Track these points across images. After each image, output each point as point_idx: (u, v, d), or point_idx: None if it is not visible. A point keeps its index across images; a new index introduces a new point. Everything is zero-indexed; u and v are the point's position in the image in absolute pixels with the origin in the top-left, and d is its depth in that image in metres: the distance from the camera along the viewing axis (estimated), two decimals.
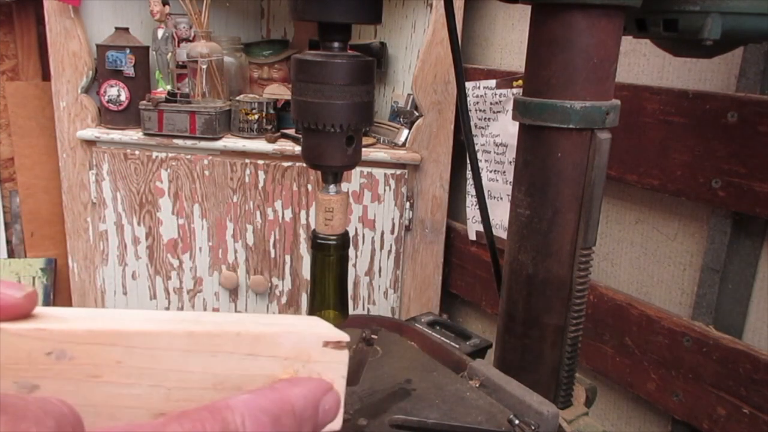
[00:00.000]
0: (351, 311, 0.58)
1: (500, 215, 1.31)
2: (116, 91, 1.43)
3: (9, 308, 0.28)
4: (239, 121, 1.43)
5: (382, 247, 1.42)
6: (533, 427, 0.54)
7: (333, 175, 0.53)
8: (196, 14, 1.39)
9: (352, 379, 0.62)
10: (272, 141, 1.40)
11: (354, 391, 0.60)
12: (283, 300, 1.46)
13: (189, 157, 1.40)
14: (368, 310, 1.46)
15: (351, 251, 1.40)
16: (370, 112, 0.52)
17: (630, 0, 0.57)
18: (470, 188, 1.44)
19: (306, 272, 1.44)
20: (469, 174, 1.40)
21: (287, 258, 1.43)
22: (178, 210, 1.43)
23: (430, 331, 0.73)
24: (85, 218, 1.50)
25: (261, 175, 1.39)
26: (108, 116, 1.45)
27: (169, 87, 1.48)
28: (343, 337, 0.32)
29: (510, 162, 1.28)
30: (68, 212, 1.51)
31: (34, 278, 1.73)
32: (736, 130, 0.90)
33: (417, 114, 1.40)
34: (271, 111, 1.45)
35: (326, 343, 0.31)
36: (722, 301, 0.98)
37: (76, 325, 0.28)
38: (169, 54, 1.48)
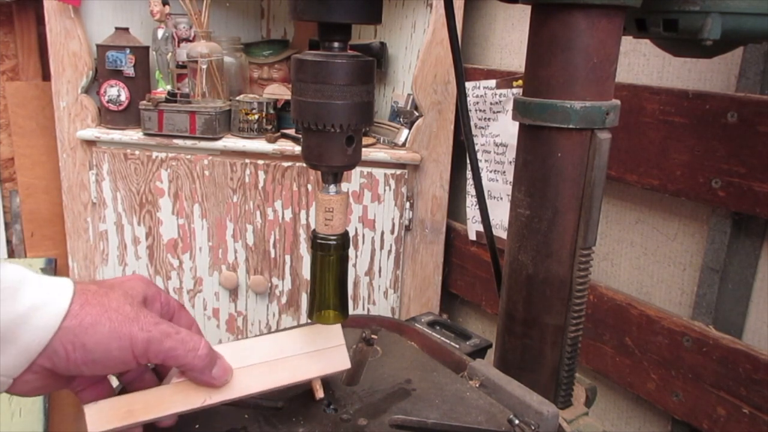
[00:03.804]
0: (351, 311, 0.58)
1: (500, 215, 1.31)
2: (116, 91, 1.43)
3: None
4: (239, 121, 1.43)
5: (382, 247, 1.42)
6: (533, 427, 0.54)
7: (333, 175, 0.53)
8: (196, 14, 1.39)
9: (352, 379, 0.62)
10: (272, 141, 1.40)
11: (354, 391, 0.60)
12: (283, 300, 1.46)
13: (189, 157, 1.40)
14: (368, 310, 1.46)
15: (351, 251, 1.40)
16: (370, 112, 0.52)
17: (630, 0, 0.57)
18: (470, 188, 1.44)
19: (306, 272, 1.43)
20: (469, 174, 1.40)
21: (287, 258, 1.43)
22: (178, 210, 1.43)
23: (430, 331, 0.73)
24: (85, 218, 1.50)
25: (261, 175, 1.39)
26: (108, 116, 1.45)
27: (169, 87, 1.48)
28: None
29: (510, 162, 1.28)
30: (68, 212, 1.51)
31: None
32: (736, 130, 0.90)
33: (417, 114, 1.40)
34: (271, 111, 1.45)
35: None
36: (722, 301, 0.98)
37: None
38: (169, 54, 1.48)
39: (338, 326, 0.58)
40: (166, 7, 1.45)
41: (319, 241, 0.54)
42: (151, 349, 0.47)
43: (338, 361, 0.57)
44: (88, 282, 0.49)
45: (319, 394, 0.57)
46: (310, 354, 0.56)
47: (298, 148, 1.39)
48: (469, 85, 1.35)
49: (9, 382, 0.45)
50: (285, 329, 0.72)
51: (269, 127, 1.44)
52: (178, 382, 0.50)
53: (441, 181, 1.41)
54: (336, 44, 0.51)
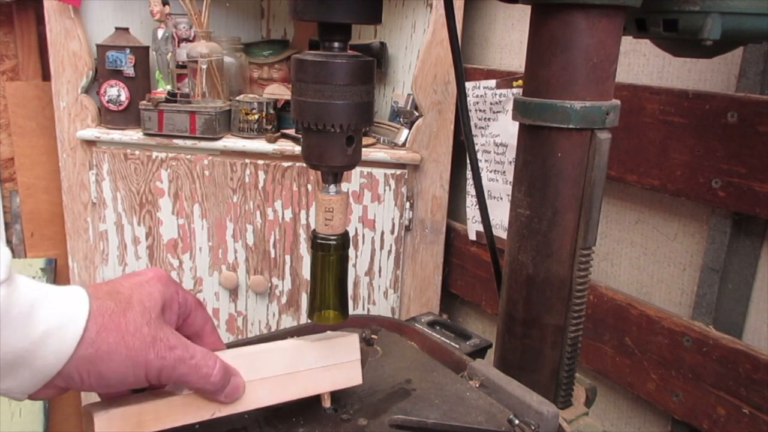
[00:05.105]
0: (351, 311, 0.58)
1: (500, 215, 1.31)
2: (116, 91, 1.43)
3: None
4: (239, 121, 1.43)
5: (382, 247, 1.42)
6: (533, 427, 0.54)
7: (333, 175, 0.53)
8: (196, 14, 1.39)
9: None
10: (272, 141, 1.40)
11: (354, 391, 0.60)
12: (283, 300, 1.46)
13: (189, 157, 1.40)
14: (368, 310, 1.46)
15: (351, 251, 1.40)
16: (370, 112, 0.52)
17: (630, 0, 0.57)
18: (470, 188, 1.44)
19: (306, 272, 1.43)
20: (469, 174, 1.40)
21: (287, 258, 1.43)
22: (178, 210, 1.43)
23: (430, 331, 0.73)
24: (85, 218, 1.50)
25: (261, 175, 1.39)
26: (108, 116, 1.45)
27: (169, 87, 1.48)
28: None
29: (510, 162, 1.28)
30: (68, 212, 1.51)
31: (34, 278, 1.73)
32: (736, 130, 0.90)
33: (417, 114, 1.40)
34: (271, 111, 1.45)
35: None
36: (722, 301, 0.98)
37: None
38: (169, 54, 1.48)
39: (356, 341, 0.57)
40: (166, 7, 1.45)
41: (319, 241, 0.54)
42: (163, 375, 0.47)
43: (351, 376, 0.57)
44: (105, 295, 0.47)
45: (326, 403, 0.57)
46: (325, 368, 0.56)
47: (298, 148, 1.39)
48: (469, 85, 1.35)
49: (24, 397, 0.45)
50: (290, 328, 0.72)
51: (269, 127, 1.44)
52: (189, 394, 0.50)
53: (441, 181, 1.41)
54: (336, 44, 0.51)
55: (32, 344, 0.42)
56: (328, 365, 0.56)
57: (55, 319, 0.43)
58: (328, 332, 0.59)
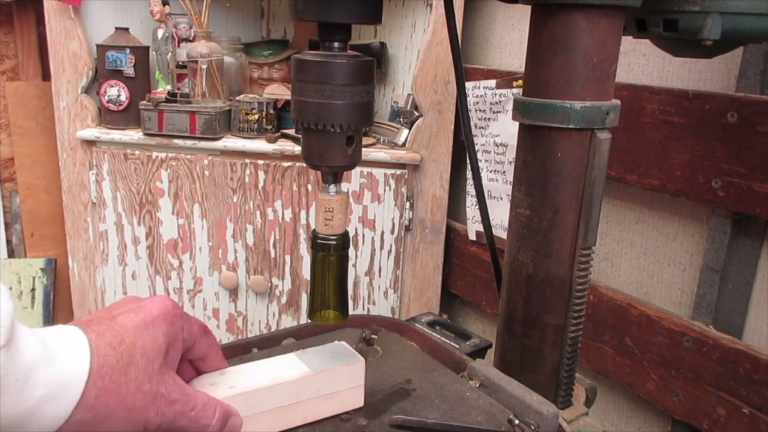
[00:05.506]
0: (351, 311, 0.58)
1: (500, 215, 1.31)
2: (116, 91, 1.43)
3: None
4: (239, 121, 1.43)
5: (382, 247, 1.42)
6: (533, 427, 0.54)
7: (333, 175, 0.53)
8: (196, 14, 1.39)
9: None
10: (272, 141, 1.40)
11: None
12: (283, 300, 1.46)
13: (189, 157, 1.40)
14: (368, 310, 1.46)
15: (351, 251, 1.40)
16: (370, 112, 0.52)
17: (630, 0, 0.57)
18: (470, 188, 1.44)
19: (306, 272, 1.44)
20: (469, 174, 1.40)
21: (287, 258, 1.43)
22: (178, 210, 1.43)
23: (430, 331, 0.73)
24: (85, 218, 1.50)
25: (261, 175, 1.39)
26: (108, 116, 1.45)
27: (169, 87, 1.48)
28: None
29: (510, 162, 1.28)
30: (68, 212, 1.51)
31: (34, 278, 1.73)
32: (736, 130, 0.90)
33: (417, 114, 1.40)
34: (271, 111, 1.45)
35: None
36: (722, 301, 0.98)
37: None
38: (169, 54, 1.48)
39: (362, 367, 0.56)
40: (166, 7, 1.45)
41: (319, 241, 0.54)
42: (162, 428, 0.47)
43: (353, 400, 0.57)
44: (107, 348, 0.45)
45: None
46: (327, 396, 0.55)
47: (298, 148, 1.39)
48: (469, 85, 1.35)
49: None
50: (290, 328, 0.72)
51: (269, 127, 1.44)
52: None
53: (441, 181, 1.41)
54: (336, 44, 0.51)
55: (28, 410, 0.41)
56: (331, 393, 0.55)
57: (54, 382, 0.42)
58: (335, 343, 0.58)
